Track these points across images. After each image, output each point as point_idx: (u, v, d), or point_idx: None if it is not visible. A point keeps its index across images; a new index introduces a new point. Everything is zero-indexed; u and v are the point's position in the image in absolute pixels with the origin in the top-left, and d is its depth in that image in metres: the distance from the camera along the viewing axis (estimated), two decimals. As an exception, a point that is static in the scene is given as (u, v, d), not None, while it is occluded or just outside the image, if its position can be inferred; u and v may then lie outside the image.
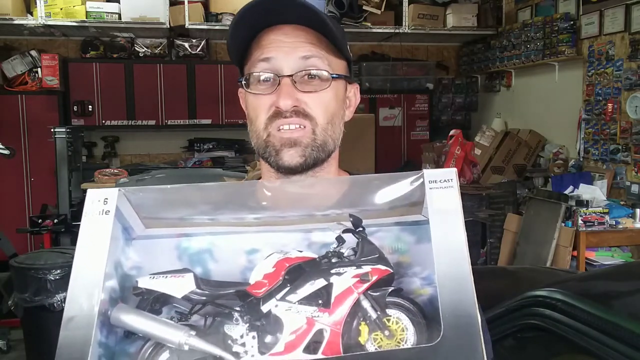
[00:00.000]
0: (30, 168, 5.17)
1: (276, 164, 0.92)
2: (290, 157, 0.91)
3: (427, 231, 0.68)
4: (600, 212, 3.55)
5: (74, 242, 4.25)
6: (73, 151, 4.30)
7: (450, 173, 0.71)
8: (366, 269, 0.68)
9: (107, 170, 4.82)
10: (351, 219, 0.71)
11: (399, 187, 0.72)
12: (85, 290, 0.66)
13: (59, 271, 3.04)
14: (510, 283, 2.28)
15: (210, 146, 5.65)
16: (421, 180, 0.71)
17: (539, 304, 1.56)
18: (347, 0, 4.84)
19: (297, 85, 0.90)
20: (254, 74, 0.92)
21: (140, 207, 0.73)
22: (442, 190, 0.69)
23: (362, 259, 0.69)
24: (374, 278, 0.68)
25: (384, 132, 5.86)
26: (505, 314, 1.67)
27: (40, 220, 4.06)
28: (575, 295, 1.50)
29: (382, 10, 5.07)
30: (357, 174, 1.07)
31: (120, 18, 4.88)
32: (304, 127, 0.90)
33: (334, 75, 0.92)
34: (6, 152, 4.37)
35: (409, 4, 5.19)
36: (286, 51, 0.90)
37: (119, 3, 4.87)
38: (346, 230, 0.71)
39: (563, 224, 3.63)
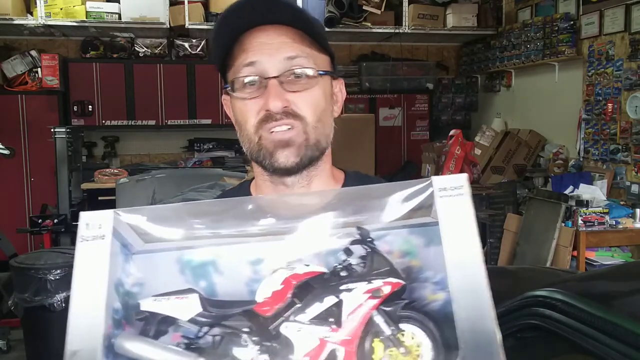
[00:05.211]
0: (30, 168, 5.16)
1: (271, 166, 0.91)
2: (285, 157, 0.89)
3: (437, 233, 0.65)
4: (600, 212, 3.55)
5: (73, 242, 4.24)
6: (73, 151, 4.30)
7: (460, 179, 0.67)
8: (377, 283, 0.65)
9: (107, 170, 4.82)
10: (359, 232, 0.68)
11: (406, 196, 0.68)
12: (88, 323, 0.63)
13: (59, 271, 3.04)
14: (510, 283, 2.28)
15: (210, 146, 5.65)
16: (430, 188, 0.67)
17: (539, 304, 1.57)
18: (347, 0, 4.83)
19: (285, 86, 0.88)
20: (239, 78, 0.90)
21: (136, 227, 0.70)
22: (452, 199, 0.66)
23: (373, 272, 0.66)
24: (386, 292, 0.65)
25: (384, 132, 5.85)
26: (505, 314, 1.67)
27: (40, 220, 4.06)
28: (575, 295, 1.50)
29: (382, 10, 5.06)
30: (353, 173, 1.06)
31: (120, 18, 4.88)
32: (295, 127, 0.89)
33: (321, 72, 0.91)
34: (6, 152, 4.38)
35: (409, 4, 5.19)
36: (270, 53, 0.88)
37: (119, 3, 4.87)
38: (354, 242, 0.68)
39: (563, 224, 3.62)
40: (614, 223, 3.59)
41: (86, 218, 0.68)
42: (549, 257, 3.61)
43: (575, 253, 3.54)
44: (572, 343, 1.42)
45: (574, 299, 1.47)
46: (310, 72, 0.90)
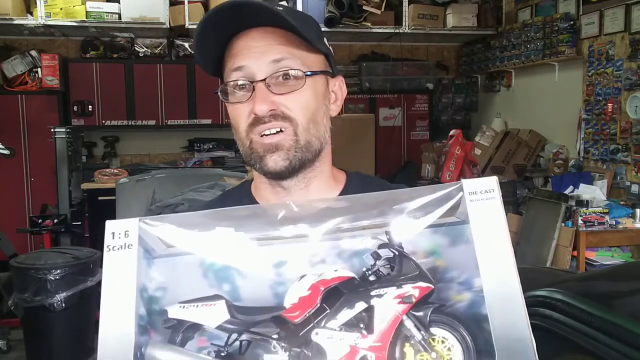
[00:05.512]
0: (30, 168, 5.16)
1: (262, 169, 0.91)
2: (275, 162, 0.89)
3: (462, 232, 0.65)
4: (600, 212, 3.55)
5: (74, 242, 4.22)
6: (73, 151, 4.30)
7: (491, 183, 0.66)
8: (407, 288, 0.65)
9: (107, 170, 4.82)
10: (388, 237, 0.67)
11: (437, 200, 0.67)
12: (118, 334, 0.63)
13: (59, 271, 3.04)
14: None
15: (210, 146, 5.65)
16: (460, 192, 0.66)
17: (539, 304, 1.57)
18: (347, 0, 4.83)
19: (272, 89, 0.88)
20: (229, 83, 0.90)
21: (162, 235, 0.69)
22: (483, 203, 0.65)
23: (402, 277, 0.65)
24: (416, 297, 0.65)
25: (384, 132, 5.85)
26: (505, 314, 1.66)
27: (40, 220, 4.06)
28: (575, 295, 1.50)
29: (382, 10, 5.06)
30: (354, 173, 1.06)
31: (120, 18, 4.88)
32: (285, 129, 0.88)
33: (308, 73, 0.90)
34: (6, 152, 4.38)
35: (409, 4, 5.19)
36: (256, 56, 0.88)
37: (119, 3, 4.87)
38: (382, 246, 0.67)
39: (563, 224, 3.63)
40: (614, 223, 3.59)
41: (112, 227, 0.68)
42: (549, 257, 3.61)
43: (575, 253, 3.54)
44: (572, 343, 1.42)
45: (574, 299, 1.48)
46: (297, 73, 0.89)
